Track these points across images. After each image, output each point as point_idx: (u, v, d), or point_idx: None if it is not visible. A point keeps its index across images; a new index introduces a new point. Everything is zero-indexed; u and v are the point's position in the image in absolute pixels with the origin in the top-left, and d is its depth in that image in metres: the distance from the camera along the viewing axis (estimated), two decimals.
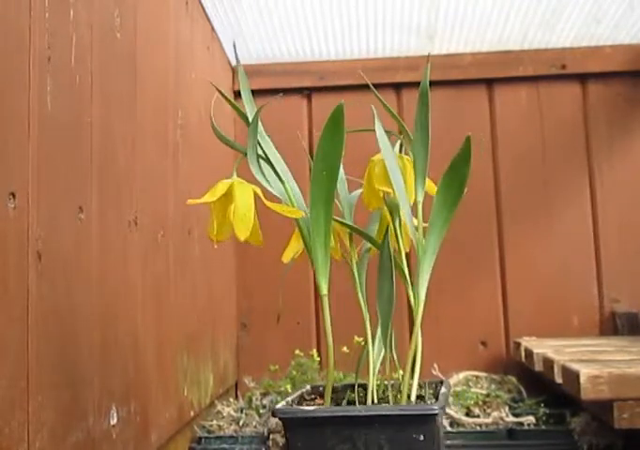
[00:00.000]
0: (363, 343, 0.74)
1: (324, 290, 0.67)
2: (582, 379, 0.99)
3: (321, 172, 0.61)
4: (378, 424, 0.63)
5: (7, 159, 0.60)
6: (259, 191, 0.65)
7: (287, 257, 0.72)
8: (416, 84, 1.93)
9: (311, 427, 0.65)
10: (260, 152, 0.68)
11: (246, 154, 0.66)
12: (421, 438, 0.62)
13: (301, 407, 0.68)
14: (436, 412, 0.62)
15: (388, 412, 0.63)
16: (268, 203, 0.64)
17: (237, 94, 1.76)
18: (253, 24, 1.57)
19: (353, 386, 0.74)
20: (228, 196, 0.64)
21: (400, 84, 1.73)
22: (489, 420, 1.32)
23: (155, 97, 1.07)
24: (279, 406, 0.68)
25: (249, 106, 0.69)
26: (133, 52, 0.96)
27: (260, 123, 0.68)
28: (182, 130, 1.21)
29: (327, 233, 0.65)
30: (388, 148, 0.70)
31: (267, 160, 0.68)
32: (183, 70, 1.24)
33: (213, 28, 1.53)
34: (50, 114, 0.68)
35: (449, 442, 1.26)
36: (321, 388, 0.78)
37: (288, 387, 1.42)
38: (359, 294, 0.73)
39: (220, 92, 0.70)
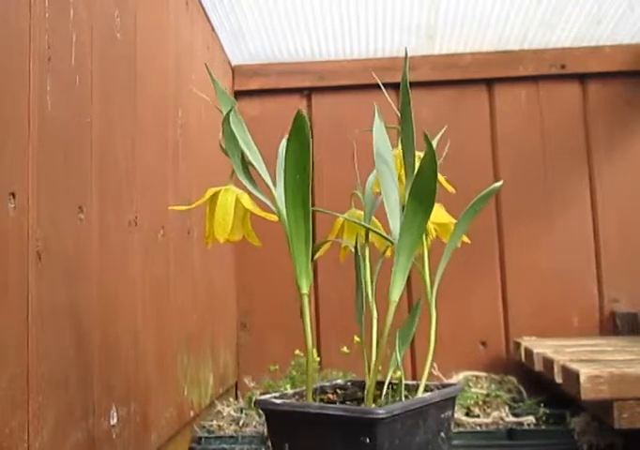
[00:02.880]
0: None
1: (304, 289, 0.68)
2: (582, 379, 0.99)
3: (293, 176, 0.64)
4: (332, 423, 0.63)
5: (7, 159, 0.60)
6: (245, 197, 0.70)
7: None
8: (416, 84, 1.92)
9: (281, 420, 0.68)
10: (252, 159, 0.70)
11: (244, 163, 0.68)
12: (367, 441, 0.61)
13: (273, 400, 0.69)
14: (380, 416, 0.60)
15: (331, 412, 0.64)
16: (248, 207, 0.68)
17: (237, 93, 1.77)
18: (253, 24, 1.57)
19: (380, 384, 0.75)
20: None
21: (400, 84, 1.73)
22: (489, 420, 1.32)
23: (155, 97, 1.07)
24: (261, 397, 0.70)
25: (237, 127, 0.70)
26: (133, 52, 0.96)
27: (247, 131, 0.70)
28: (182, 130, 1.21)
29: (307, 234, 0.66)
30: (383, 145, 0.70)
31: (251, 165, 0.71)
32: (183, 70, 1.24)
33: (213, 28, 1.53)
34: (50, 114, 0.68)
35: None
36: (349, 383, 0.79)
37: (288, 387, 1.42)
38: (369, 294, 0.74)
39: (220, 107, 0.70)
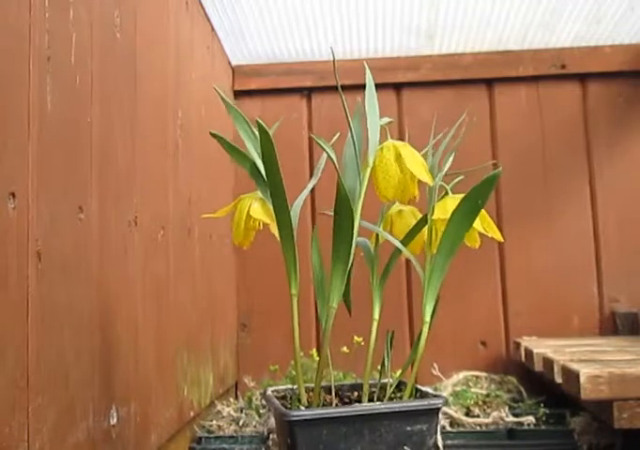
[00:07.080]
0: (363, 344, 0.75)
1: (293, 289, 0.70)
2: (582, 379, 0.99)
3: (273, 180, 0.67)
4: (279, 419, 0.67)
5: (7, 159, 0.60)
6: (257, 203, 0.74)
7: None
8: (416, 84, 1.91)
9: (270, 410, 0.76)
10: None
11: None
12: (288, 441, 0.64)
13: (268, 393, 0.74)
14: (290, 419, 0.63)
15: (276, 410, 0.69)
16: (252, 213, 0.74)
17: (237, 93, 1.77)
18: (253, 24, 1.57)
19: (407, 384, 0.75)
20: None
21: (400, 84, 1.73)
22: (489, 420, 1.32)
23: (155, 97, 1.07)
24: (268, 388, 0.76)
25: (247, 138, 0.72)
26: (133, 52, 0.96)
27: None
28: (182, 130, 1.21)
29: (291, 233, 0.69)
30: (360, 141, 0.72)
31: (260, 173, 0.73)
32: (183, 70, 1.24)
33: (213, 28, 1.53)
34: (50, 114, 0.68)
35: (449, 441, 1.26)
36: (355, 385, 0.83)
37: None
38: (376, 297, 0.74)
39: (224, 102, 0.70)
